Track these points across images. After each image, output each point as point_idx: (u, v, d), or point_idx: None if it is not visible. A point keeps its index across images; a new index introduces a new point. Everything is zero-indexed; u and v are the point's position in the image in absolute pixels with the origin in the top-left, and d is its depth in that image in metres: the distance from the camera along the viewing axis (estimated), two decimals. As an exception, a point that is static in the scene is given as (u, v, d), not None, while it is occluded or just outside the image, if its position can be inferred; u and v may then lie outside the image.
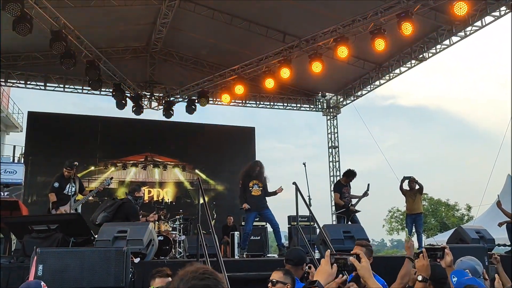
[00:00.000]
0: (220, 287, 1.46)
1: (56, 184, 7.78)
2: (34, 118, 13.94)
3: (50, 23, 9.67)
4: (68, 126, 14.28)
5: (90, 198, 8.36)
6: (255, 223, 11.95)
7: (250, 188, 8.40)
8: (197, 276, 1.44)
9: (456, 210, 34.52)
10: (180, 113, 14.43)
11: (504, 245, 9.33)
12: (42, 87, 13.66)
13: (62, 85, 13.78)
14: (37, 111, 14.32)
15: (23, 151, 13.96)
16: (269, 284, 3.38)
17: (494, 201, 13.57)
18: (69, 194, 7.78)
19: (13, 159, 13.66)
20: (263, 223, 12.33)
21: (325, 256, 2.00)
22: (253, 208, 8.37)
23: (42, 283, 3.12)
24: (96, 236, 6.16)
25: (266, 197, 8.51)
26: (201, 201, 6.55)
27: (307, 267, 3.97)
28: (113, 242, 5.76)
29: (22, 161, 13.26)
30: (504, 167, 15.61)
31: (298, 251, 4.22)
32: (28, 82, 13.47)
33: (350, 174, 9.69)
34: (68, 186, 7.85)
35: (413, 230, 10.39)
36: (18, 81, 13.33)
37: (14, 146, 15.31)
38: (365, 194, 9.48)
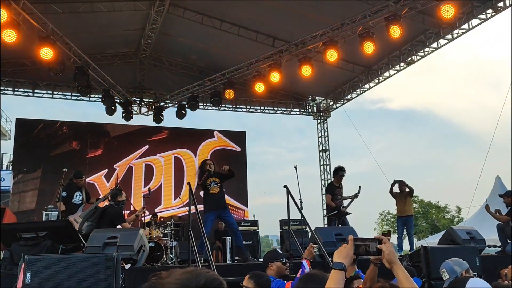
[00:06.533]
0: (218, 282, 1.44)
1: (64, 194, 7.98)
2: (23, 125, 13.75)
3: (37, 29, 9.59)
4: (57, 132, 14.13)
5: None
6: (246, 228, 11.96)
7: (208, 187, 7.61)
8: (189, 271, 1.45)
9: (447, 212, 34.73)
10: (170, 119, 14.39)
11: (495, 246, 9.36)
12: (30, 94, 13.53)
13: (50, 92, 13.66)
14: (26, 118, 14.08)
15: (11, 159, 13.78)
16: None
17: (483, 203, 13.67)
18: (77, 203, 8.13)
19: (1, 167, 13.50)
20: (255, 228, 12.30)
21: (349, 240, 2.13)
22: (212, 207, 7.62)
23: None
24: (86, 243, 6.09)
25: (227, 179, 7.86)
26: (192, 206, 6.51)
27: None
28: (103, 248, 5.70)
29: (11, 169, 13.11)
30: (493, 168, 15.75)
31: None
32: (16, 89, 13.33)
33: (338, 171, 9.58)
34: (75, 195, 8.19)
35: (404, 232, 10.43)
36: (5, 88, 13.17)
37: (2, 154, 15.14)
38: (356, 195, 9.48)
